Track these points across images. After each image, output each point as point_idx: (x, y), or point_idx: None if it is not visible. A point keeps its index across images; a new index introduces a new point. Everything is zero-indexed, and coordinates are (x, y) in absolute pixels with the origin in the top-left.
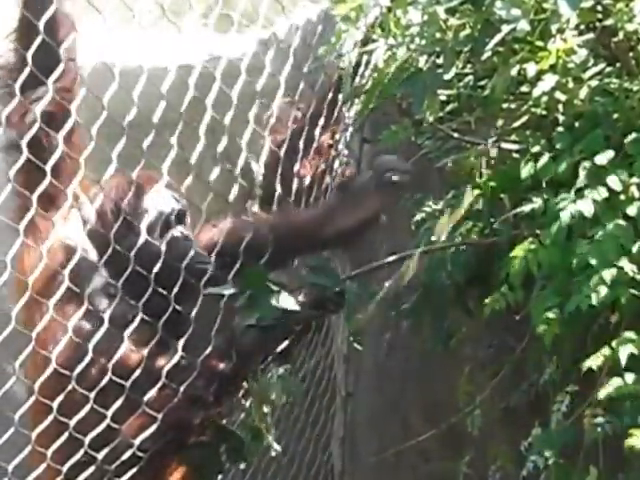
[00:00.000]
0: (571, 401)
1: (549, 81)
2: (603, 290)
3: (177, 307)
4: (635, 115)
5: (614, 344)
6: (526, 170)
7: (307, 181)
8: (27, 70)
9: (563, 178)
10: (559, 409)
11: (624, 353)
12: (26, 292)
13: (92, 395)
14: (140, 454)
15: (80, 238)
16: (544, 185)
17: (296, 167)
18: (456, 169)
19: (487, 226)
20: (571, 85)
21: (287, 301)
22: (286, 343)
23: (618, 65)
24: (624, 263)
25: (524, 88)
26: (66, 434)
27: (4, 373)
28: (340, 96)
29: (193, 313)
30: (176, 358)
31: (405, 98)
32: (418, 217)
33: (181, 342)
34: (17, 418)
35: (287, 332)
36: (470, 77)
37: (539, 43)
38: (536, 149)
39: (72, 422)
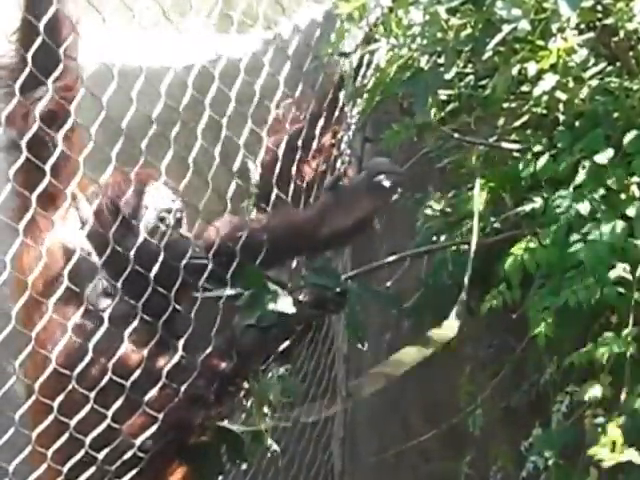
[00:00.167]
0: (571, 401)
1: (550, 80)
2: (594, 289)
3: (177, 306)
4: (635, 114)
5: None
6: (527, 169)
7: (308, 180)
8: (27, 70)
9: (563, 177)
10: (559, 409)
11: (604, 355)
12: (25, 292)
13: (92, 395)
14: (140, 454)
15: (79, 237)
16: (544, 184)
17: (294, 167)
18: (456, 168)
19: (488, 225)
20: (571, 84)
21: (285, 304)
22: (287, 343)
23: (618, 64)
24: (616, 262)
25: (525, 87)
26: (66, 434)
27: (4, 373)
28: (341, 95)
29: (193, 313)
30: (176, 358)
31: (406, 97)
32: (419, 217)
33: (181, 342)
34: (17, 418)
35: (288, 332)
36: (471, 77)
37: (540, 43)
38: (537, 148)
39: (72, 422)
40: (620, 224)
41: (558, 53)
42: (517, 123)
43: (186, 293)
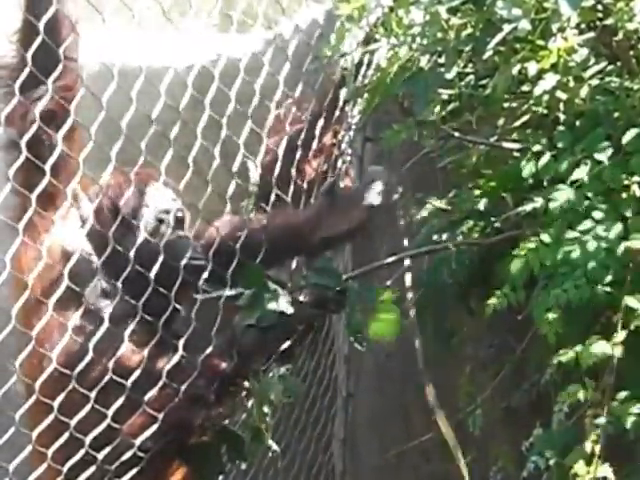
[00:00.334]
0: (572, 401)
1: (550, 80)
2: (584, 288)
3: (177, 306)
4: (636, 114)
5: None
6: (527, 169)
7: (309, 180)
8: (27, 70)
9: (564, 177)
10: (560, 409)
11: (588, 357)
12: (24, 291)
13: (92, 395)
14: (141, 454)
15: (79, 237)
16: (545, 184)
17: (295, 167)
18: (457, 168)
19: (488, 225)
20: (572, 84)
21: (284, 303)
22: (288, 343)
23: (619, 64)
24: (609, 263)
25: (525, 87)
26: (65, 434)
27: (4, 373)
28: (342, 95)
29: (193, 313)
30: (176, 358)
31: (407, 97)
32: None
33: (181, 342)
34: (17, 418)
35: (289, 332)
36: (471, 76)
37: (540, 42)
38: (537, 148)
39: (72, 422)
40: (618, 227)
41: (558, 53)
42: (518, 123)
43: (186, 293)
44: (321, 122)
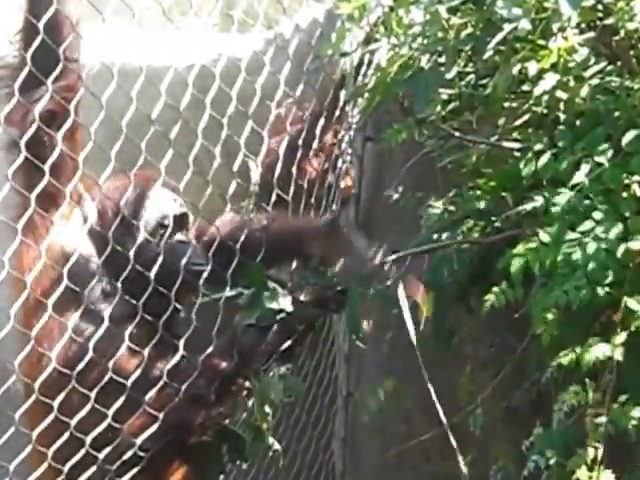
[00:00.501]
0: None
1: (550, 80)
2: (584, 289)
3: (177, 307)
4: (636, 113)
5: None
6: (527, 168)
7: (310, 179)
8: (28, 70)
9: (564, 176)
10: (560, 409)
11: (589, 359)
12: (24, 291)
13: (92, 395)
14: (141, 454)
15: (80, 237)
16: (545, 183)
17: (296, 167)
18: (458, 168)
19: (489, 224)
20: (572, 84)
21: (284, 302)
22: (288, 343)
23: (619, 64)
24: (609, 263)
25: (525, 87)
26: (65, 434)
27: (3, 372)
28: (342, 95)
29: (193, 314)
30: (177, 358)
31: (407, 97)
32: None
33: (181, 342)
34: (17, 418)
35: (289, 331)
36: (472, 76)
37: (540, 42)
38: (537, 147)
39: (72, 422)
40: (618, 227)
41: (559, 52)
42: (518, 122)
43: (187, 294)
44: (322, 121)
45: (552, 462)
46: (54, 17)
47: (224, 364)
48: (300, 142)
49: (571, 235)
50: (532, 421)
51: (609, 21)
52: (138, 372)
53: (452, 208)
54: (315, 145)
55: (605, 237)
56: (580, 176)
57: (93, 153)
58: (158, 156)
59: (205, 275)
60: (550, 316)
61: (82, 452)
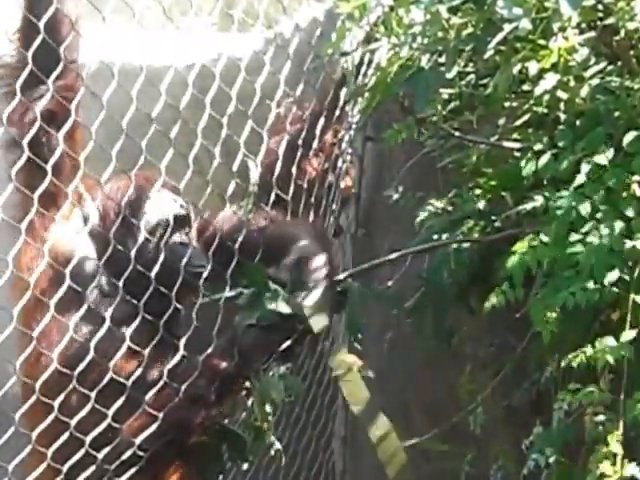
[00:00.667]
0: (572, 399)
1: (550, 80)
2: (591, 290)
3: (178, 307)
4: (636, 113)
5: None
6: (528, 168)
7: (310, 179)
8: (28, 70)
9: (564, 176)
10: (560, 407)
11: (602, 360)
12: (24, 290)
13: (92, 395)
14: (141, 454)
15: (81, 237)
16: (545, 183)
17: (296, 166)
18: (458, 168)
19: (489, 224)
20: (572, 83)
21: (282, 304)
22: (288, 342)
23: (619, 64)
24: (615, 263)
25: (526, 87)
26: (65, 434)
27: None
28: (342, 95)
29: (194, 314)
30: (178, 358)
31: (407, 96)
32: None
33: (182, 342)
34: (17, 418)
35: (289, 331)
36: (472, 76)
37: (541, 42)
38: (538, 147)
39: (72, 422)
40: (619, 225)
41: (559, 52)
42: (518, 122)
43: (187, 295)
44: (322, 121)
45: (552, 461)
46: (53, 16)
47: (224, 364)
48: (300, 142)
49: (574, 235)
50: (532, 420)
51: (609, 21)
52: (139, 372)
53: (451, 208)
54: (315, 145)
55: (608, 236)
56: (581, 177)
57: (93, 153)
58: (158, 156)
59: (205, 275)
60: (551, 315)
61: (82, 452)
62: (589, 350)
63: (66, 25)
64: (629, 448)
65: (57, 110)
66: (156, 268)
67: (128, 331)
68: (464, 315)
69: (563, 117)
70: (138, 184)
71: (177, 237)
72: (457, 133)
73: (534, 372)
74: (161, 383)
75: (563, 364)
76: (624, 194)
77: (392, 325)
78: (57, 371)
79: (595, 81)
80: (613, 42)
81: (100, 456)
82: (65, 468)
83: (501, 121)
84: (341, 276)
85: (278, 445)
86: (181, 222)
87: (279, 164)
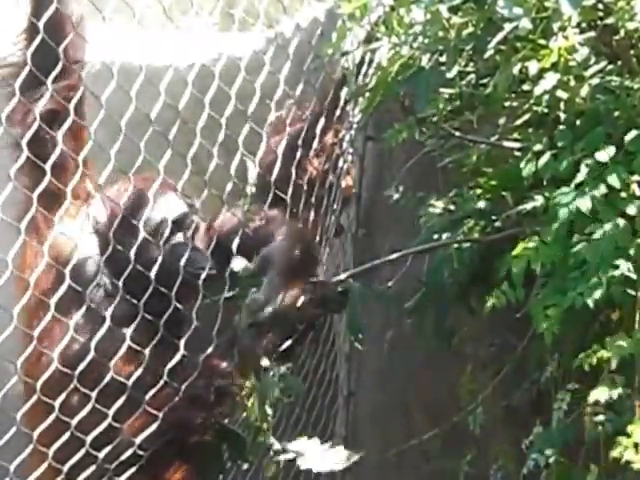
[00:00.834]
0: (572, 399)
1: (551, 79)
2: (598, 289)
3: (179, 308)
4: (636, 113)
5: (607, 346)
6: (528, 168)
7: (310, 179)
8: (31, 70)
9: (564, 176)
10: (560, 407)
11: (615, 358)
12: (26, 290)
13: (93, 394)
14: (141, 453)
15: (86, 237)
16: (545, 183)
17: (296, 166)
18: (458, 167)
19: (489, 224)
20: (572, 83)
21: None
22: (289, 342)
23: (619, 63)
24: (620, 262)
25: (526, 86)
26: (64, 433)
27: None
28: (343, 94)
29: (193, 313)
30: (177, 358)
31: (408, 96)
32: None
33: (182, 342)
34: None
35: (290, 331)
36: (472, 75)
37: (541, 41)
38: (538, 147)
39: (73, 422)
40: (622, 222)
41: (559, 52)
42: (518, 122)
43: (189, 296)
44: (322, 121)
45: (552, 461)
46: (58, 17)
47: (224, 364)
48: (300, 142)
49: (577, 235)
50: (532, 420)
51: (609, 20)
52: (142, 372)
53: (452, 208)
54: (316, 145)
55: (614, 234)
56: (582, 176)
57: (92, 152)
58: (157, 155)
59: (207, 276)
60: (553, 314)
61: (82, 452)
62: (600, 350)
63: (70, 26)
64: None
65: (61, 110)
66: (155, 268)
67: (128, 331)
68: (464, 315)
69: (563, 117)
70: (144, 185)
71: (181, 239)
72: (457, 133)
73: (534, 372)
74: (161, 383)
75: (574, 366)
76: (624, 194)
77: (393, 325)
78: (62, 371)
79: (595, 81)
80: (613, 42)
81: (101, 456)
82: (66, 468)
83: (501, 121)
84: (342, 276)
85: (278, 446)
86: (185, 224)
87: (279, 164)
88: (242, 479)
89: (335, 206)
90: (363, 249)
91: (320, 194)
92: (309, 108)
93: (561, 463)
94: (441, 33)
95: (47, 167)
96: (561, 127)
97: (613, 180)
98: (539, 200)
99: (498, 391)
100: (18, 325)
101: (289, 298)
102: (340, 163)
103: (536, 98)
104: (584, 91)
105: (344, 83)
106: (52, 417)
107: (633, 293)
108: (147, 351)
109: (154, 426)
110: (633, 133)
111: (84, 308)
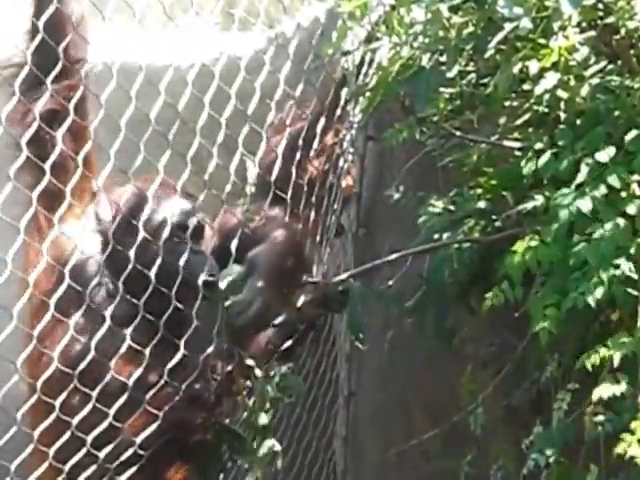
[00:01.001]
0: (572, 399)
1: (551, 79)
2: (599, 289)
3: (185, 312)
4: (636, 113)
5: (609, 344)
6: (528, 167)
7: (311, 178)
8: (33, 70)
9: (565, 175)
10: (560, 407)
11: (617, 356)
12: (33, 290)
13: (94, 394)
14: (141, 453)
15: (91, 237)
16: (546, 182)
17: (297, 166)
18: (458, 167)
19: (489, 224)
20: (573, 83)
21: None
22: (289, 342)
23: (619, 63)
24: (621, 262)
25: (526, 86)
26: (65, 433)
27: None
28: (343, 94)
29: (194, 313)
30: (177, 357)
31: (408, 96)
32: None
33: (182, 342)
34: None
35: (290, 331)
36: (473, 75)
37: (541, 41)
38: (538, 146)
39: (73, 422)
40: (622, 222)
41: (559, 51)
42: (519, 121)
43: (194, 301)
44: (322, 121)
45: (552, 461)
46: (58, 17)
47: (224, 364)
48: (301, 141)
49: (577, 236)
50: (532, 420)
51: (609, 20)
52: (144, 372)
53: (453, 207)
54: (316, 145)
55: (614, 234)
56: (583, 176)
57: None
58: (157, 155)
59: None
60: (549, 315)
61: (83, 451)
62: (602, 349)
63: (71, 25)
64: None
65: (64, 110)
66: (154, 269)
67: (129, 331)
68: (465, 315)
69: (563, 116)
70: (149, 187)
71: (186, 242)
72: (458, 132)
73: (534, 372)
74: (162, 382)
75: (576, 366)
76: (624, 194)
77: (393, 324)
78: (66, 371)
79: (595, 80)
80: (613, 41)
81: (101, 455)
82: (67, 467)
83: (502, 120)
84: (342, 276)
85: (278, 446)
86: (197, 230)
87: (279, 164)
88: (242, 479)
89: (336, 206)
90: (364, 249)
91: (320, 194)
92: (309, 108)
93: (561, 463)
94: (441, 33)
95: (46, 167)
96: (561, 126)
97: (613, 180)
98: (539, 200)
99: (498, 391)
100: (19, 325)
101: (273, 302)
102: (340, 163)
103: (536, 98)
104: (584, 91)
105: (344, 83)
106: (53, 417)
107: (634, 293)
108: (152, 351)
109: (154, 426)
110: (633, 133)
111: (89, 309)
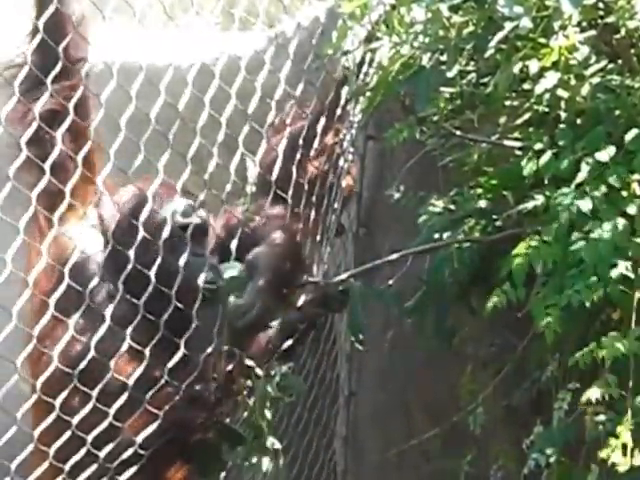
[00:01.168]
0: (573, 399)
1: (551, 78)
2: (596, 288)
3: (186, 313)
4: (637, 112)
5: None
6: (528, 167)
7: (311, 178)
8: (34, 71)
9: (565, 175)
10: (561, 407)
11: (608, 356)
12: (33, 290)
13: (94, 394)
14: (142, 452)
15: (94, 238)
16: (546, 182)
17: (297, 166)
18: (459, 167)
19: (490, 224)
20: (573, 82)
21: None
22: (290, 341)
23: (620, 62)
24: (618, 261)
25: (526, 85)
26: (67, 433)
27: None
28: (343, 94)
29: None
30: (177, 357)
31: (408, 95)
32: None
33: (182, 341)
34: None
35: (291, 330)
36: (473, 74)
37: (541, 40)
38: (538, 146)
39: (74, 421)
40: (621, 222)
41: (560, 51)
42: (519, 121)
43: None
44: (323, 120)
45: (552, 460)
46: (59, 17)
47: (224, 364)
48: (301, 141)
49: (576, 234)
50: (532, 420)
51: (610, 19)
52: (144, 372)
53: (453, 207)
54: (316, 144)
55: (612, 233)
56: (583, 175)
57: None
58: (157, 155)
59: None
60: (552, 313)
61: (83, 451)
62: (597, 349)
63: (72, 25)
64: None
65: (64, 110)
66: (154, 269)
67: (128, 331)
68: (465, 315)
69: (564, 116)
70: (158, 190)
71: (193, 247)
72: (458, 132)
73: (534, 372)
74: (162, 382)
75: (569, 363)
76: (624, 193)
77: (393, 324)
78: (67, 372)
79: (596, 80)
80: (613, 41)
81: (102, 455)
82: (67, 467)
83: (502, 120)
84: (343, 276)
85: (278, 445)
86: (200, 231)
87: (280, 163)
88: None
89: (336, 205)
90: (364, 248)
91: (321, 193)
92: (310, 107)
93: (562, 463)
94: (442, 32)
95: (46, 167)
96: (562, 126)
97: (614, 180)
98: (540, 199)
99: (498, 391)
100: (19, 325)
101: (272, 304)
102: (341, 162)
103: (537, 97)
104: (585, 90)
105: (345, 82)
106: (53, 416)
107: (631, 292)
108: (152, 351)
109: (155, 425)
110: (633, 132)
111: (89, 309)
